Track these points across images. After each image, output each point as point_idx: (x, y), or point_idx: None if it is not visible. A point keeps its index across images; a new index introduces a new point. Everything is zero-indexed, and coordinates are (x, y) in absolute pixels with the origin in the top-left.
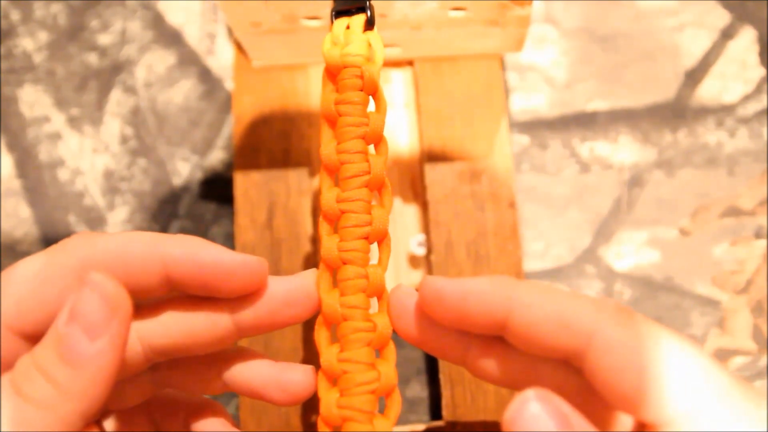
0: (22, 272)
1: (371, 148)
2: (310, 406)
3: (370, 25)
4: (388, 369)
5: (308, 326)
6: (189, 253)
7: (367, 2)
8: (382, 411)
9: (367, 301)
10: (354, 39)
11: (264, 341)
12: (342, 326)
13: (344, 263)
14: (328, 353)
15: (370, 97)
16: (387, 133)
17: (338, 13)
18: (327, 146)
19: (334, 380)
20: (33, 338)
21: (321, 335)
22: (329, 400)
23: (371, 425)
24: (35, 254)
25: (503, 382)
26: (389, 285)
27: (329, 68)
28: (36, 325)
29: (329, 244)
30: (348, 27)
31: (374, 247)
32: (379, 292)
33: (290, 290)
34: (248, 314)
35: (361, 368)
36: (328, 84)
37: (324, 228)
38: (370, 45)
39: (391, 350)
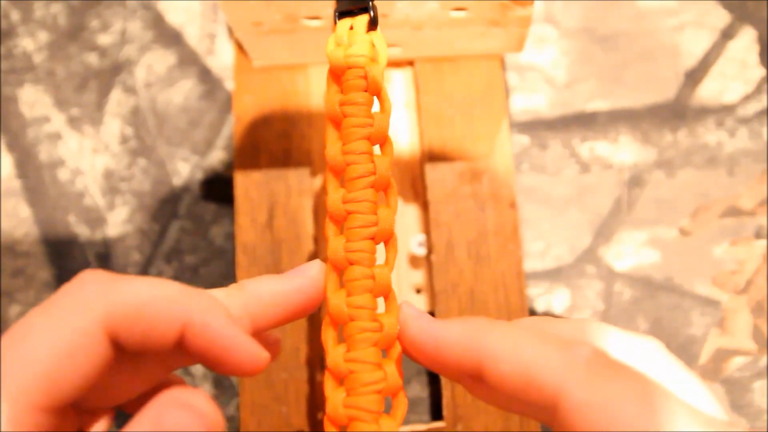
0: (39, 340)
1: (376, 148)
2: (314, 405)
3: (373, 25)
4: (394, 369)
5: (311, 326)
6: (208, 325)
7: (370, 3)
8: (388, 411)
9: (373, 302)
10: (357, 40)
11: None
12: (349, 326)
13: (351, 264)
14: (334, 353)
15: (375, 98)
16: (390, 132)
17: (341, 14)
18: (332, 147)
19: (340, 380)
20: (58, 411)
21: (328, 335)
22: (336, 400)
23: (377, 425)
24: (43, 308)
25: (497, 405)
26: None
27: (333, 69)
28: (65, 398)
29: (336, 244)
30: (351, 28)
31: (380, 247)
32: (386, 293)
33: (301, 289)
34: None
35: (367, 368)
36: (333, 85)
37: (330, 229)
38: (373, 45)
39: (397, 350)
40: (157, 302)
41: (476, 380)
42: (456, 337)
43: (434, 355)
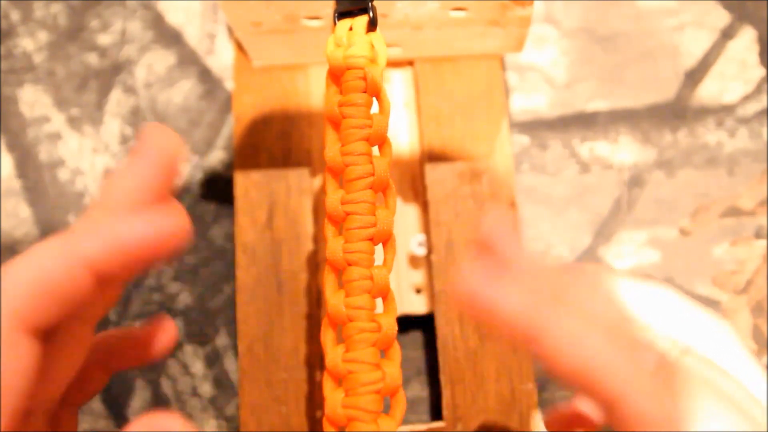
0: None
1: (375, 149)
2: (313, 405)
3: (372, 26)
4: (393, 369)
5: (310, 326)
6: (108, 244)
7: (370, 3)
8: (387, 411)
9: (372, 302)
10: (357, 40)
11: (264, 341)
12: (347, 327)
13: (349, 264)
14: (333, 353)
15: (374, 99)
16: (389, 133)
17: (341, 15)
18: (331, 148)
19: (339, 380)
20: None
21: (327, 336)
22: (334, 400)
23: (376, 425)
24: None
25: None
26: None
27: (333, 70)
28: (50, 318)
29: (334, 245)
30: (351, 28)
31: (379, 248)
32: (384, 293)
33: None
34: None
35: (366, 368)
36: (332, 86)
37: (329, 230)
38: (372, 46)
39: (395, 350)
40: (46, 262)
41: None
42: (514, 310)
43: (488, 316)
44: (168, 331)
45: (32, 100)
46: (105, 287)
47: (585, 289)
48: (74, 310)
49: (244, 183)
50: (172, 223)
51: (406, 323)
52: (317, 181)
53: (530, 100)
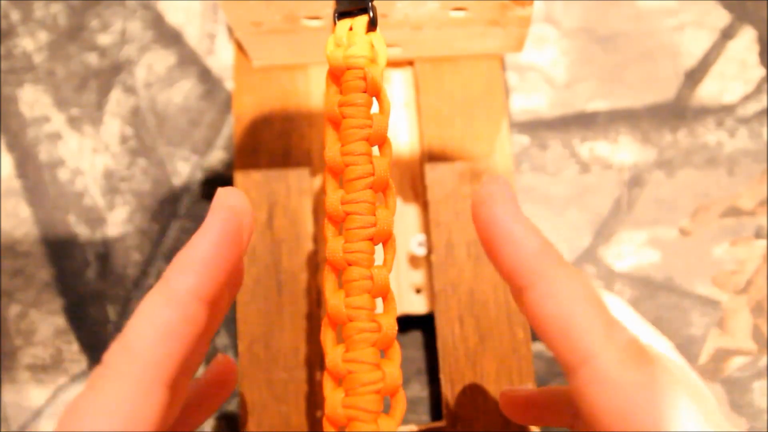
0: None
1: (375, 149)
2: (314, 405)
3: (372, 26)
4: (392, 369)
5: (310, 326)
6: (196, 266)
7: (370, 3)
8: (387, 411)
9: (372, 302)
10: (357, 40)
11: (264, 341)
12: (347, 327)
13: (349, 264)
14: (333, 353)
15: (374, 99)
16: (389, 133)
17: (341, 15)
18: (331, 148)
19: (339, 380)
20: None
21: (327, 336)
22: (334, 400)
23: (376, 425)
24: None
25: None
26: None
27: (332, 70)
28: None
29: (334, 245)
30: (351, 28)
31: (379, 248)
32: (384, 293)
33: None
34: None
35: (366, 368)
36: (332, 86)
37: (329, 229)
38: (372, 46)
39: (395, 350)
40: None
41: (517, 293)
42: (527, 249)
43: (497, 249)
44: (230, 367)
45: (32, 100)
46: (217, 305)
47: None
48: (196, 343)
49: (244, 183)
50: (234, 213)
51: (406, 323)
52: (317, 181)
53: (530, 100)
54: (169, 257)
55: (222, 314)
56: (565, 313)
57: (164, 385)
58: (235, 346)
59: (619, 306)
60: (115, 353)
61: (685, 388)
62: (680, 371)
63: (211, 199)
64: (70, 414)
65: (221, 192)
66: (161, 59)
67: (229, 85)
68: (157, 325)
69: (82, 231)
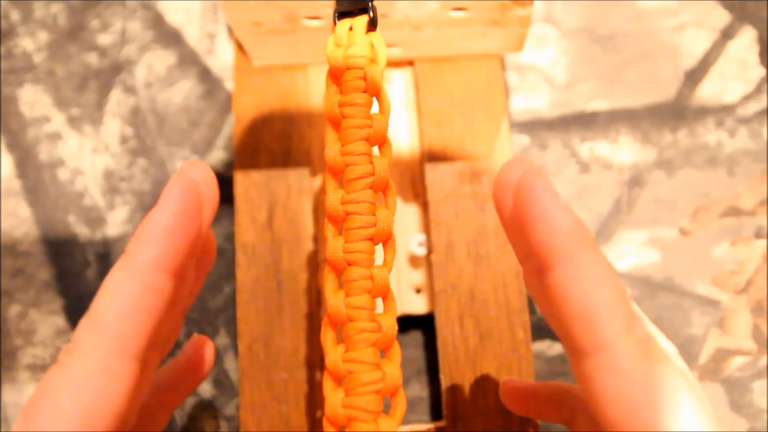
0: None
1: (375, 149)
2: (313, 405)
3: (372, 26)
4: (392, 369)
5: (310, 326)
6: (157, 238)
7: (370, 3)
8: (387, 411)
9: (372, 302)
10: (357, 40)
11: (264, 341)
12: (347, 327)
13: (349, 264)
14: (333, 353)
15: (374, 99)
16: (389, 133)
17: (341, 15)
18: (331, 148)
19: (339, 380)
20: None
21: (327, 336)
22: (334, 400)
23: (376, 425)
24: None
25: (538, 306)
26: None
27: (332, 70)
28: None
29: (334, 245)
30: (351, 28)
31: (379, 248)
32: (384, 293)
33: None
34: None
35: (366, 368)
36: (332, 86)
37: (329, 229)
38: (372, 46)
39: (395, 350)
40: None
41: (537, 273)
42: (561, 227)
43: (531, 222)
44: (208, 348)
45: (32, 100)
46: (183, 277)
47: None
48: (163, 316)
49: (244, 183)
50: (193, 183)
51: (406, 323)
52: (317, 181)
53: (530, 100)
54: None
55: (192, 289)
56: (589, 297)
57: (132, 358)
58: (235, 346)
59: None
60: (82, 330)
61: (693, 392)
62: (688, 374)
63: None
64: (40, 390)
65: (184, 164)
66: (161, 59)
67: (229, 85)
68: (122, 299)
69: (82, 231)
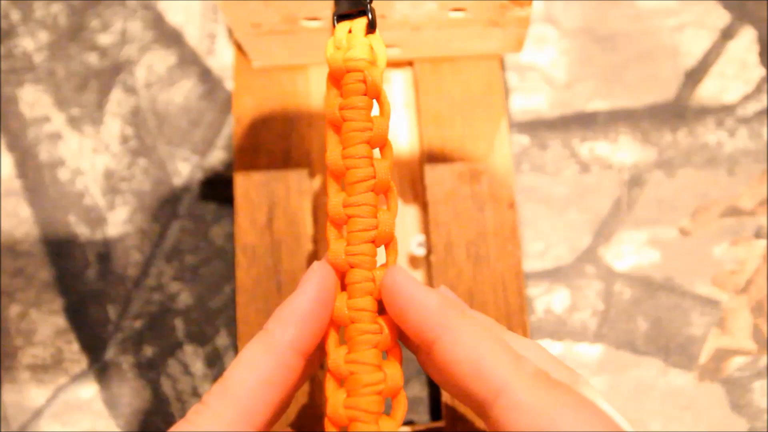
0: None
1: (376, 152)
2: (315, 406)
3: (371, 28)
4: (394, 371)
5: None
6: (295, 321)
7: (368, 5)
8: (388, 412)
9: (374, 304)
10: (356, 43)
11: None
12: (350, 328)
13: (351, 267)
14: (335, 355)
15: (374, 101)
16: (389, 135)
17: (340, 17)
18: (332, 152)
19: (341, 381)
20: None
21: (329, 337)
22: (336, 401)
23: (377, 426)
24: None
25: (439, 383)
26: None
27: (332, 73)
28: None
29: (337, 248)
30: (350, 31)
31: (380, 249)
32: None
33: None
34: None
35: (367, 369)
36: (332, 89)
37: (331, 232)
38: (372, 48)
39: (397, 352)
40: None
41: (428, 353)
42: (426, 306)
43: (401, 312)
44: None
45: (32, 100)
46: (310, 361)
47: None
48: (291, 393)
49: (244, 183)
50: (326, 278)
51: None
52: (317, 182)
53: (530, 100)
54: (169, 257)
55: (312, 371)
56: (473, 355)
57: (256, 429)
58: (235, 347)
59: (534, 348)
60: (214, 394)
61: (592, 407)
62: (594, 394)
63: (211, 200)
64: None
65: (315, 264)
66: (161, 59)
67: (229, 85)
68: (257, 373)
69: (82, 231)
